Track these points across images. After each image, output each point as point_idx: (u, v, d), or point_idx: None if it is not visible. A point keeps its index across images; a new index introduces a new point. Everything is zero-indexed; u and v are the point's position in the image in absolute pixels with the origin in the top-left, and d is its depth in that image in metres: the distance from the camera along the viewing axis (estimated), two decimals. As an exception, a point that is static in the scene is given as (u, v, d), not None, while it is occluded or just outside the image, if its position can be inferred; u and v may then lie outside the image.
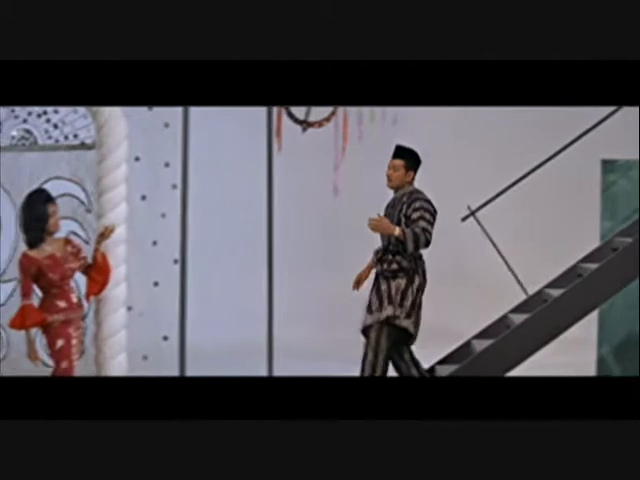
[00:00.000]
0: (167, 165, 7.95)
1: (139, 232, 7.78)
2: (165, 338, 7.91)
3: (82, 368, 7.48)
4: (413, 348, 7.21)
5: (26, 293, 7.06)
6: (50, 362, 7.25)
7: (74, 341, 7.10)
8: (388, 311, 7.18)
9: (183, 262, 7.68)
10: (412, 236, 7.19)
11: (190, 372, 7.83)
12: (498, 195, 7.91)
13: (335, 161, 8.50)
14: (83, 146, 7.75)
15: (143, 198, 7.86)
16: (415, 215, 7.24)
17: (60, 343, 7.02)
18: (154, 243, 7.95)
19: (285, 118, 8.25)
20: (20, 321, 7.01)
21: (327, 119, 8.27)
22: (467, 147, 11.54)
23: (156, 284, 7.90)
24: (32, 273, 7.03)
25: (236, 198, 11.40)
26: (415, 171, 7.34)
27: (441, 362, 7.86)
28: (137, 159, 7.79)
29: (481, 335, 7.98)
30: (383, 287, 7.32)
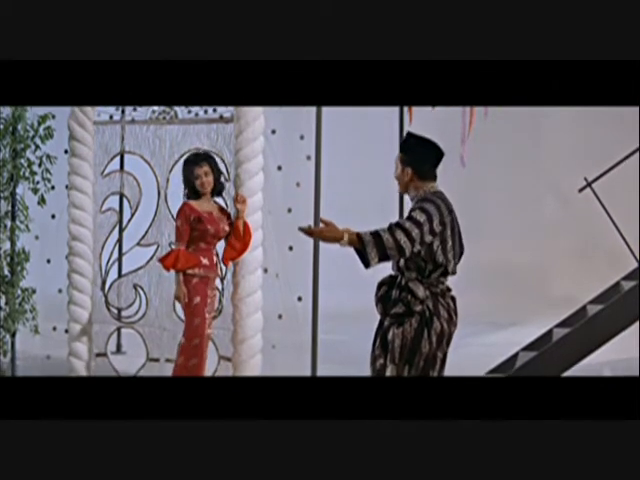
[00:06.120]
0: (302, 138, 8.17)
1: (275, 200, 8.13)
2: (299, 299, 8.29)
3: (219, 326, 7.94)
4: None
5: (182, 238, 7.41)
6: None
7: (209, 300, 7.47)
8: (390, 371, 5.31)
9: (316, 228, 8.14)
10: (372, 239, 5.12)
11: (322, 331, 8.19)
12: (613, 167, 7.87)
13: (462, 135, 8.82)
14: (222, 119, 7.98)
15: (279, 168, 8.14)
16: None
17: (197, 300, 7.40)
18: (289, 210, 8.24)
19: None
20: (173, 262, 7.37)
21: (456, 94, 8.53)
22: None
23: (291, 248, 8.21)
24: (191, 220, 7.39)
25: (367, 168, 11.73)
26: (417, 169, 5.42)
27: (525, 348, 7.92)
28: (273, 132, 8.04)
29: (562, 324, 7.97)
30: (389, 336, 5.39)
